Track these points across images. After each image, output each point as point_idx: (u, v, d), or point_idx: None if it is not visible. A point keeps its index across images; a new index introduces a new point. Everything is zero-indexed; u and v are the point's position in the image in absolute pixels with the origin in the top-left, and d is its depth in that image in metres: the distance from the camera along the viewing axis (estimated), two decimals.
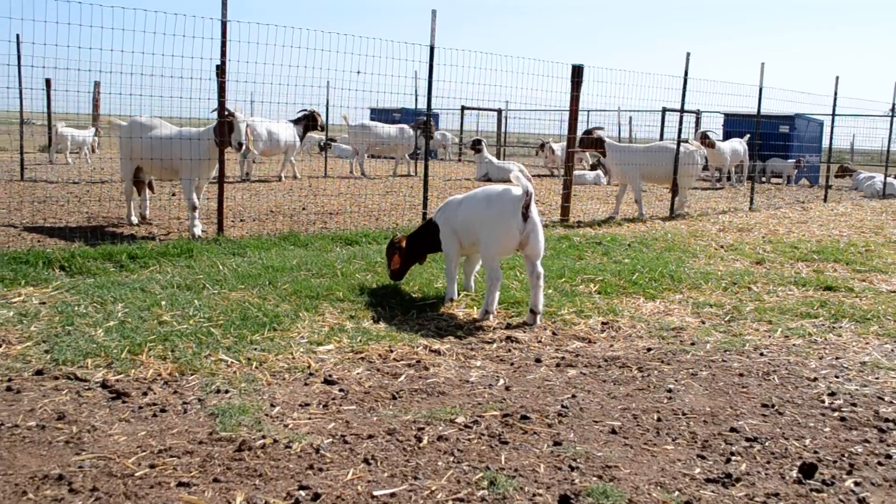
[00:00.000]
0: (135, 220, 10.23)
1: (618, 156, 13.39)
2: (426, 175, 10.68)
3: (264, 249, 8.32)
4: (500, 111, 29.45)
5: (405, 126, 21.32)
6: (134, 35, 8.18)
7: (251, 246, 8.33)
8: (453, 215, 6.51)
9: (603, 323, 6.21)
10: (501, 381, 4.70)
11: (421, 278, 7.19)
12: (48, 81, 19.72)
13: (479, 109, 27.31)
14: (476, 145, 20.95)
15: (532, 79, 11.77)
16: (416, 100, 20.10)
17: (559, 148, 21.41)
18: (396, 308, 6.24)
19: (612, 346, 5.63)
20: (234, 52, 8.71)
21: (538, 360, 5.18)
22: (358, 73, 9.65)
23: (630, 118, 28.19)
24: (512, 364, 5.09)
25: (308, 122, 18.55)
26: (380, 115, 32.16)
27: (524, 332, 5.87)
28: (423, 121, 20.12)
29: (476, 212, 6.22)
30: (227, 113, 8.86)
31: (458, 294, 6.74)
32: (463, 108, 28.54)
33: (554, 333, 5.87)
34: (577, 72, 12.02)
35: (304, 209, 12.36)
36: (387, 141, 20.71)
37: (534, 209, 6.00)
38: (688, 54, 13.62)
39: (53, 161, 20.08)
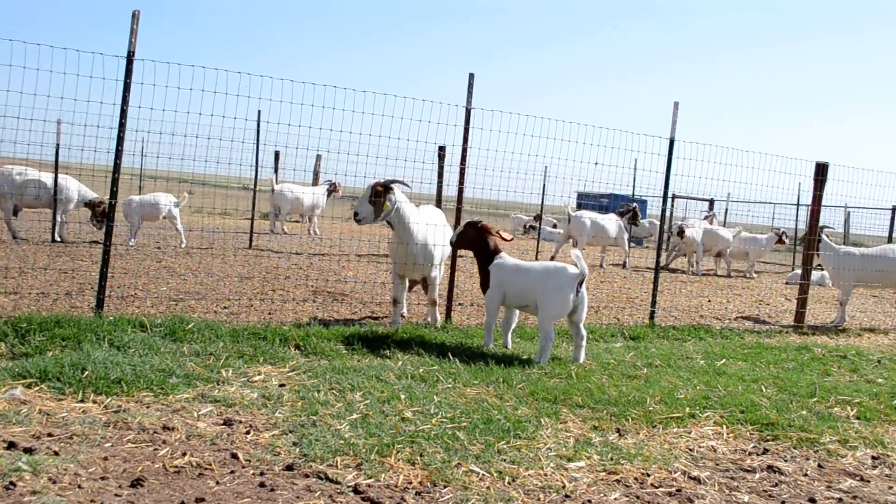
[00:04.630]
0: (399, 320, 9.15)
1: (831, 257, 12.35)
2: (657, 271, 10.25)
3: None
4: (711, 201, 28.46)
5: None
6: (363, 117, 8.36)
7: (478, 335, 8.14)
8: (508, 279, 7.64)
9: (873, 457, 5.51)
10: None
11: (659, 386, 6.72)
12: (276, 154, 20.85)
13: (689, 198, 26.51)
14: (680, 233, 20.19)
15: (760, 173, 11.15)
16: (634, 189, 19.78)
17: (696, 234, 20.05)
18: (639, 420, 5.79)
19: (890, 487, 4.96)
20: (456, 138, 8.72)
21: (812, 500, 4.60)
22: (595, 164, 9.42)
23: (848, 214, 26.52)
24: (783, 502, 4.53)
25: (632, 216, 19.42)
26: (587, 199, 31.93)
27: (785, 461, 5.27)
28: (680, 228, 19.80)
29: (537, 283, 7.43)
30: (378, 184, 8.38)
31: (491, 344, 7.83)
32: (673, 197, 27.77)
33: (820, 466, 5.24)
34: (822, 170, 11.26)
35: None
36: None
37: (583, 286, 7.42)
38: None
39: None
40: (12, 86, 7.02)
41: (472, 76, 8.75)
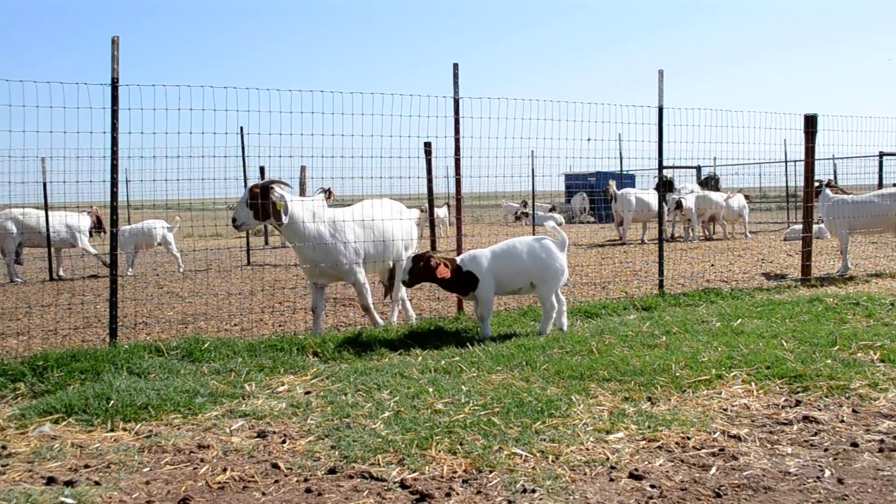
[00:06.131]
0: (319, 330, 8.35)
1: (825, 206, 12.46)
2: (661, 241, 10.24)
3: (506, 326, 8.09)
4: (699, 168, 28.49)
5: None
6: (343, 118, 8.23)
7: (493, 323, 8.11)
8: (496, 267, 7.62)
9: None
10: (828, 472, 4.14)
11: (681, 352, 6.70)
12: (262, 169, 20.73)
13: (676, 168, 26.55)
14: (678, 206, 20.38)
15: (748, 131, 11.15)
16: (621, 162, 19.80)
17: (689, 202, 20.31)
18: (668, 386, 5.76)
19: None
20: (444, 128, 8.64)
21: (855, 445, 4.59)
22: (588, 139, 9.40)
23: (835, 165, 26.58)
24: (826, 450, 4.52)
25: (665, 187, 19.61)
26: (574, 179, 31.95)
27: (820, 410, 5.26)
28: (678, 202, 20.08)
29: (532, 261, 7.62)
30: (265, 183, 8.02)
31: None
32: (661, 167, 27.75)
33: (854, 411, 5.23)
34: (811, 122, 11.26)
35: None
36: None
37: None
38: None
39: None
40: None
41: (456, 66, 8.72)
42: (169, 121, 7.52)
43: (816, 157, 11.75)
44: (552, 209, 32.76)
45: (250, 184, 8.06)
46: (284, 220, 7.91)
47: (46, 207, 14.59)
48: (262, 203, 7.83)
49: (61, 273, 14.99)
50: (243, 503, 3.90)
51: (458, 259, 7.74)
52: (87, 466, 4.44)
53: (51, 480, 4.19)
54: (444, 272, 7.53)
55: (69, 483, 4.13)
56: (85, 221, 15.46)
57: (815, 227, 18.69)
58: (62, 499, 3.89)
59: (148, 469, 4.41)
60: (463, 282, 7.66)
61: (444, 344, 7.31)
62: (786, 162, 23.66)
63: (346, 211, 8.50)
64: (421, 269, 7.57)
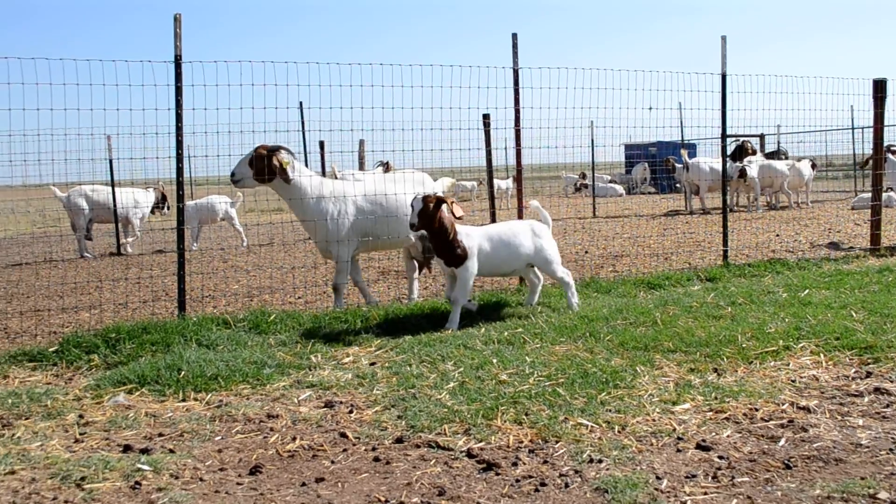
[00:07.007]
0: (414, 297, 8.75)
1: (893, 174, 12.13)
2: (725, 211, 10.10)
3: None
4: (762, 136, 27.90)
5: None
6: (402, 91, 8.19)
7: (556, 294, 8.08)
8: (489, 250, 7.30)
9: None
10: None
11: (747, 323, 6.60)
12: (321, 144, 20.84)
13: (739, 136, 26.05)
14: (741, 175, 20.03)
15: (813, 98, 10.92)
16: (682, 131, 19.49)
17: (753, 172, 19.83)
18: (735, 358, 5.69)
19: None
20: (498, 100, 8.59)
21: None
22: (650, 108, 9.29)
23: None
24: None
25: (739, 152, 20.22)
26: (635, 150, 31.55)
27: (892, 382, 5.16)
28: (742, 170, 19.83)
29: (528, 244, 7.45)
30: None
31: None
32: (724, 136, 27.27)
33: None
34: (880, 86, 10.95)
35: (586, 252, 12.06)
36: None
37: None
38: None
39: None
40: (57, 104, 7.05)
41: (515, 36, 8.66)
42: (231, 96, 7.64)
43: (886, 123, 11.43)
44: (611, 181, 32.41)
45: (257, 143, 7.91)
46: (291, 176, 7.76)
47: (113, 184, 14.90)
48: (267, 165, 7.70)
49: (129, 249, 15.36)
50: (313, 471, 3.97)
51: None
52: (161, 435, 4.57)
53: (127, 448, 4.31)
54: (459, 212, 7.09)
55: (145, 451, 4.24)
56: (150, 198, 15.84)
57: (884, 195, 18.32)
58: (139, 465, 4.00)
59: (220, 438, 4.51)
60: (456, 249, 7.11)
61: (508, 316, 7.32)
62: (852, 129, 23.10)
63: (359, 185, 8.29)
64: (430, 211, 6.97)
